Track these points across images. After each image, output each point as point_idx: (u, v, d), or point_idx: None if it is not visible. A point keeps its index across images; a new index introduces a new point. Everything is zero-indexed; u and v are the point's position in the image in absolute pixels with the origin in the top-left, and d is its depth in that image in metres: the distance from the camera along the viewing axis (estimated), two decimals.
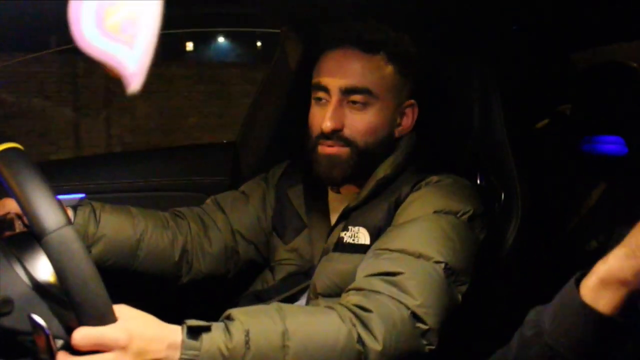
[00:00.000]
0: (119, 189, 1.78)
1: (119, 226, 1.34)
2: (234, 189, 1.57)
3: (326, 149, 1.32)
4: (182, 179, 1.85)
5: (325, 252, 1.35)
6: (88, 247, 1.29)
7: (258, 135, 1.85)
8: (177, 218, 1.45)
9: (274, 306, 1.05)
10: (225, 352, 0.95)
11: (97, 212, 1.33)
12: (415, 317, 1.08)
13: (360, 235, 1.30)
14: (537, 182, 1.56)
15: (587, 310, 0.68)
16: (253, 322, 0.99)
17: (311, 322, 1.03)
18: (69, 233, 0.84)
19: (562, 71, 2.06)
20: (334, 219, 1.38)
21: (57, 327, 0.90)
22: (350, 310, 1.05)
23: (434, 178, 1.29)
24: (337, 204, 1.40)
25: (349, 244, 1.31)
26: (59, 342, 0.89)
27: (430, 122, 1.45)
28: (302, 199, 1.45)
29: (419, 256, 1.14)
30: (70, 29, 0.77)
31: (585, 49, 2.05)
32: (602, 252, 0.72)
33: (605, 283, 0.68)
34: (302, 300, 1.37)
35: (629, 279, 0.66)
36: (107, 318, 0.87)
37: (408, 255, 1.15)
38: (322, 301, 1.29)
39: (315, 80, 1.35)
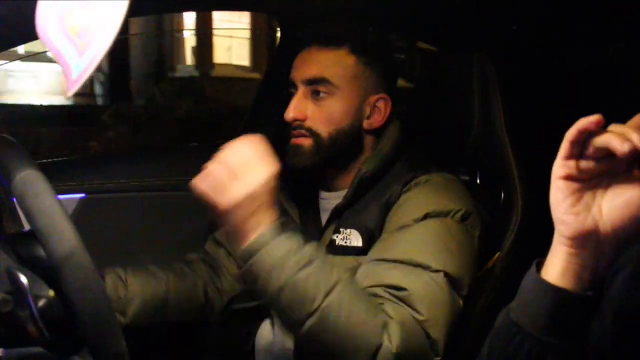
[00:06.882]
0: (119, 189, 1.78)
1: (145, 283, 1.39)
2: None
3: (291, 139, 1.35)
4: (182, 179, 1.84)
5: None
6: (122, 310, 1.34)
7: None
8: (190, 264, 1.49)
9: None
10: (295, 249, 1.04)
11: (122, 275, 1.37)
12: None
13: (353, 238, 1.31)
14: (537, 181, 1.55)
15: (539, 281, 0.69)
16: (320, 256, 1.08)
17: (359, 293, 1.10)
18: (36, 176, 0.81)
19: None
20: (324, 219, 1.39)
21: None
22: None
23: (423, 178, 1.30)
24: (327, 204, 1.40)
25: (341, 246, 1.32)
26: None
27: (429, 121, 1.45)
28: (293, 200, 1.45)
29: (417, 265, 1.16)
30: (35, 20, 0.76)
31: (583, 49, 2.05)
32: None
33: (551, 253, 0.70)
34: None
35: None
36: None
37: (406, 265, 1.16)
38: None
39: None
